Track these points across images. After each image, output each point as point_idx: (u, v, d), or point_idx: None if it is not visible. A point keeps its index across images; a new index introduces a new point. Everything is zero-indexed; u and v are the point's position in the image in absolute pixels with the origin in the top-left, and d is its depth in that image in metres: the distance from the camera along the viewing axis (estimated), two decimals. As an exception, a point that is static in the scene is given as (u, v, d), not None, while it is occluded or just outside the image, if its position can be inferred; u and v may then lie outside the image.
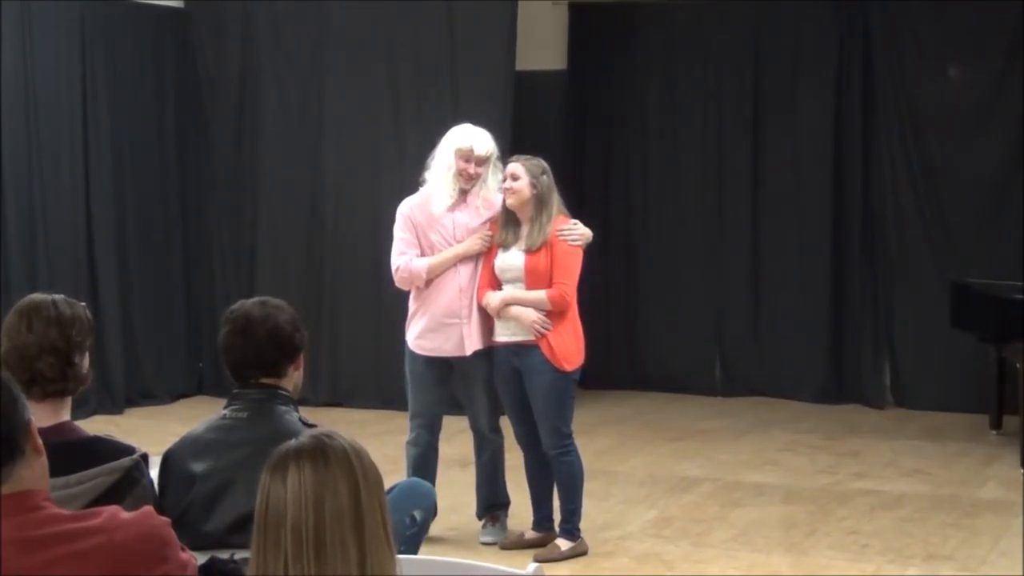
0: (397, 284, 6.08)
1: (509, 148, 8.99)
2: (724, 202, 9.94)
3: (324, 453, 2.13)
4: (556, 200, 5.84)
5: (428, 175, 6.04)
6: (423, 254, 5.97)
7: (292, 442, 2.18)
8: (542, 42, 10.14)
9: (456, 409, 6.59)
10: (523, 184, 5.80)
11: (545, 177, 5.82)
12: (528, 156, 5.94)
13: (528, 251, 5.81)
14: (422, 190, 6.06)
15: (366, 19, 9.41)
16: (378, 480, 2.17)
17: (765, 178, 9.83)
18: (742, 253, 9.88)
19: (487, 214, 6.01)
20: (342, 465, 2.13)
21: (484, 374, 6.08)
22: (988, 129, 9.07)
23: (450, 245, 5.97)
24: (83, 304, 3.22)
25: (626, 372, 9.99)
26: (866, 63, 9.44)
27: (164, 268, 9.80)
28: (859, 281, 9.57)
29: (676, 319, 10.04)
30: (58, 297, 3.18)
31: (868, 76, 9.44)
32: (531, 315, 5.78)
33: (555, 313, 5.79)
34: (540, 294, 5.77)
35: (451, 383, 6.21)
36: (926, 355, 9.30)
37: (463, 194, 5.96)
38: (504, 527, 6.24)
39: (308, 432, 2.23)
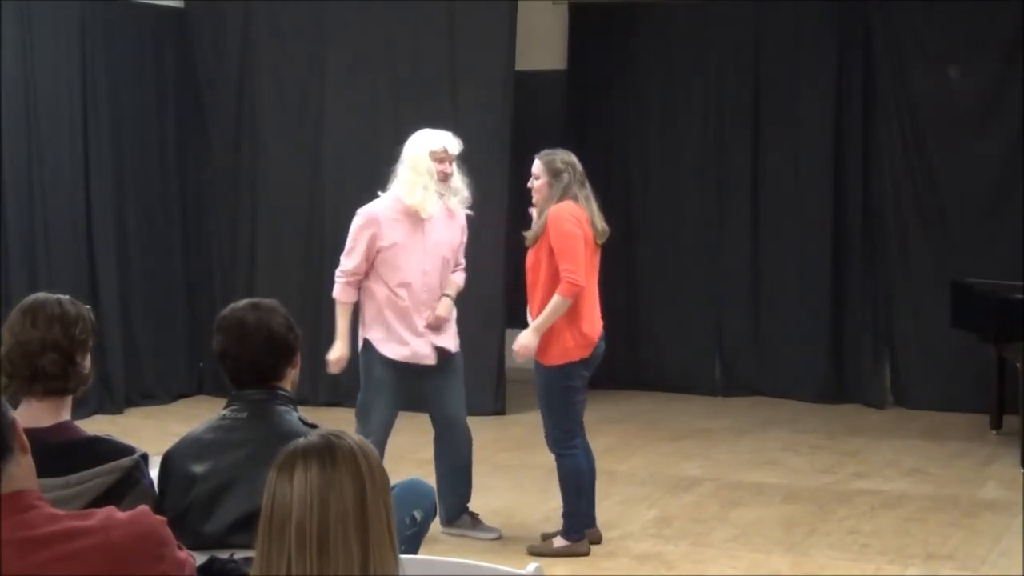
0: (336, 286, 6.23)
1: (509, 148, 9.06)
2: (724, 202, 9.94)
3: (332, 453, 2.13)
4: (573, 196, 5.81)
5: (400, 183, 6.08)
6: (369, 259, 6.06)
7: (301, 440, 2.17)
8: (542, 42, 10.15)
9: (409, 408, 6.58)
10: (541, 182, 5.86)
11: (566, 175, 5.81)
12: (552, 151, 5.95)
13: (529, 247, 5.88)
14: (391, 196, 6.09)
15: (366, 19, 9.42)
16: (385, 482, 2.17)
17: (765, 178, 9.83)
18: (742, 253, 9.88)
19: (453, 225, 6.18)
20: (349, 465, 2.12)
21: (462, 367, 6.25)
22: (988, 129, 9.07)
23: (425, 251, 6.07)
24: (87, 306, 3.22)
25: (627, 372, 9.98)
26: (866, 63, 9.44)
27: (164, 268, 9.80)
28: (859, 281, 9.56)
29: (676, 319, 10.04)
30: (63, 296, 3.18)
31: (868, 76, 9.44)
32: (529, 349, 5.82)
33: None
34: (554, 303, 5.72)
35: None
36: (926, 355, 9.30)
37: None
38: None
39: (318, 431, 2.22)
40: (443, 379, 6.19)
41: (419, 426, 6.57)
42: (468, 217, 6.28)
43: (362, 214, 6.11)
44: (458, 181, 6.13)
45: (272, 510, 2.11)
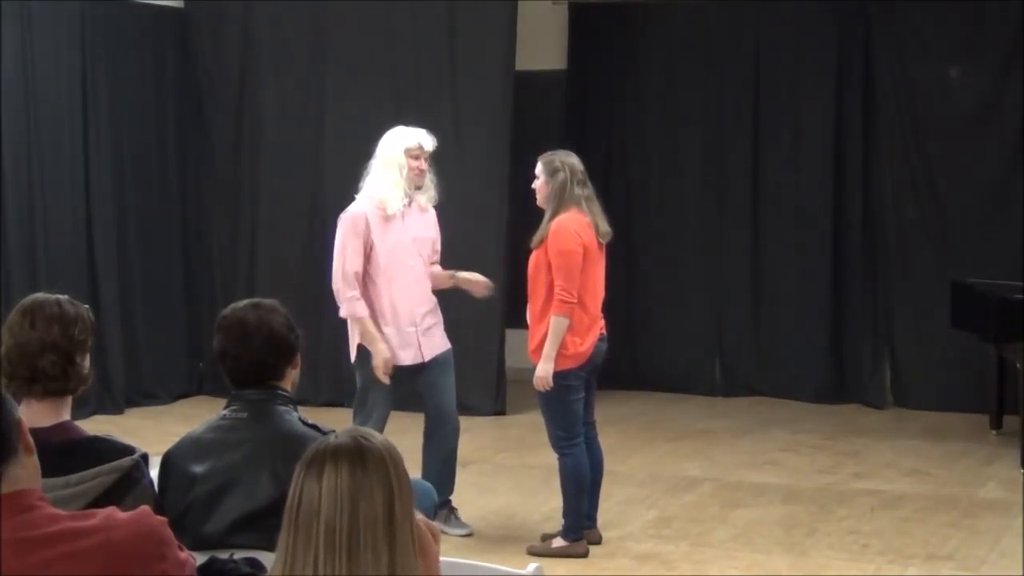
0: (336, 291, 6.20)
1: (509, 148, 9.06)
2: (724, 202, 9.94)
3: (362, 456, 2.12)
4: (570, 196, 5.81)
5: (372, 180, 6.16)
6: (367, 259, 6.11)
7: (331, 439, 2.17)
8: (542, 42, 10.15)
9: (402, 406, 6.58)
10: (540, 182, 5.90)
11: (561, 174, 5.82)
12: (554, 151, 5.98)
13: (532, 248, 5.89)
14: (366, 195, 6.17)
15: (366, 19, 9.41)
16: (409, 486, 2.16)
17: (765, 178, 9.83)
18: (742, 253, 9.88)
19: (427, 219, 6.24)
20: (379, 471, 2.12)
21: (452, 363, 6.30)
22: (988, 129, 9.07)
23: (405, 247, 6.13)
24: (86, 306, 3.22)
25: (626, 372, 9.97)
26: (866, 63, 9.44)
27: (164, 268, 9.80)
28: (859, 281, 9.56)
29: (676, 319, 10.04)
30: (62, 297, 3.18)
31: (868, 76, 9.44)
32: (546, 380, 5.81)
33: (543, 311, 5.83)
34: (553, 326, 5.73)
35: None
36: (926, 355, 9.30)
37: (408, 197, 6.14)
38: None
39: (346, 431, 2.21)
40: (435, 375, 6.25)
41: (421, 426, 6.57)
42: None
43: (347, 216, 6.19)
44: (429, 179, 6.20)
45: (299, 507, 2.11)
